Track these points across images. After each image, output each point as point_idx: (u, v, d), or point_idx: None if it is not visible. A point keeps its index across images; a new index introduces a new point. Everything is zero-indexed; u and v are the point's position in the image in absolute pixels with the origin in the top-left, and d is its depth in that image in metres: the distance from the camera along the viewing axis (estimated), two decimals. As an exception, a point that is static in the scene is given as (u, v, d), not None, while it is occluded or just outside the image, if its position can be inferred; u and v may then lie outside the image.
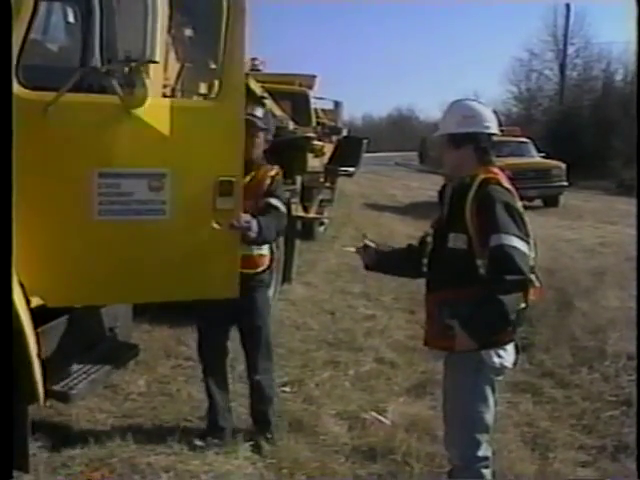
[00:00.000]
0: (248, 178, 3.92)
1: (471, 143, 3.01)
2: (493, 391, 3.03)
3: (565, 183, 19.15)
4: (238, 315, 4.09)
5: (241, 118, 3.70)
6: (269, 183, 4.02)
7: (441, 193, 3.21)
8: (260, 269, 4.09)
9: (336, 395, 4.90)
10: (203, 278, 3.64)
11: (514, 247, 2.77)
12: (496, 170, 3.03)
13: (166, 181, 3.39)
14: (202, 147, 3.51)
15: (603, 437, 4.29)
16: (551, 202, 18.93)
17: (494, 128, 3.07)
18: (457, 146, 3.03)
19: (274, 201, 4.01)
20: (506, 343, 3.02)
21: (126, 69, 3.20)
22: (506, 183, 2.99)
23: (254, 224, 3.71)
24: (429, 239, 3.21)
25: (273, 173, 4.08)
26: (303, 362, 5.56)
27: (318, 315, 7.04)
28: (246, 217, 3.69)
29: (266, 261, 4.15)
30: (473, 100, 3.22)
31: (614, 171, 26.44)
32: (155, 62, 3.20)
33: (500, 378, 3.07)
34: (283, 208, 4.07)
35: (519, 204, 2.97)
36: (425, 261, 3.21)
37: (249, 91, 7.62)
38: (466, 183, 2.96)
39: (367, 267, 3.47)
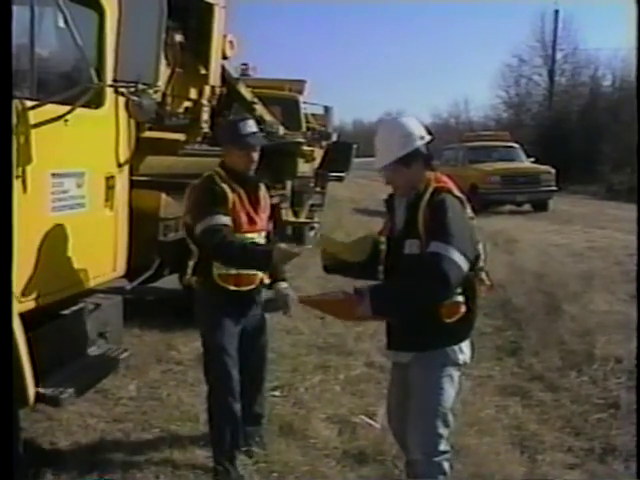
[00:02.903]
0: (261, 195, 3.94)
1: (419, 158, 3.06)
2: (454, 387, 3.13)
3: (554, 188, 19.22)
4: (250, 319, 3.98)
5: (120, 125, 4.12)
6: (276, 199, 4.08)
7: (388, 202, 3.26)
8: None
9: (326, 399, 4.91)
10: (105, 261, 4.17)
11: (453, 261, 2.81)
12: (445, 179, 3.11)
13: (85, 179, 3.81)
14: (98, 149, 4.00)
15: (591, 439, 4.31)
16: (540, 207, 18.99)
17: (427, 135, 3.12)
18: (408, 165, 3.05)
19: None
20: (466, 339, 3.14)
21: (132, 88, 3.62)
22: (456, 192, 3.06)
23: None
24: (382, 247, 3.23)
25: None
26: (293, 366, 5.57)
27: (308, 319, 7.02)
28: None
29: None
30: (397, 118, 3.26)
31: (603, 176, 26.59)
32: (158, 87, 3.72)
33: (459, 374, 3.16)
34: None
35: (468, 211, 3.08)
36: (380, 267, 3.21)
37: (240, 97, 7.70)
38: (420, 192, 3.03)
39: (326, 269, 3.50)
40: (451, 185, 3.09)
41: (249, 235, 3.79)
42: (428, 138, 3.11)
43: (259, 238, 3.87)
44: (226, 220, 3.66)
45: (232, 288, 3.77)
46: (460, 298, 3.03)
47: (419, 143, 3.06)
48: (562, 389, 5.15)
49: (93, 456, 3.96)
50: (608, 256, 10.18)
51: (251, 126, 3.85)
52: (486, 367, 5.63)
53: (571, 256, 10.52)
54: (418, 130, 3.10)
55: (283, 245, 3.73)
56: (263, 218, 3.94)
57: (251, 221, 3.82)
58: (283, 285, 4.04)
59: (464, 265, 2.85)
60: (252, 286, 3.86)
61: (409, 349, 3.13)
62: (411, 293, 2.87)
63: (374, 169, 3.24)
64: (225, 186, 3.74)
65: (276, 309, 4.12)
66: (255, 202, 3.88)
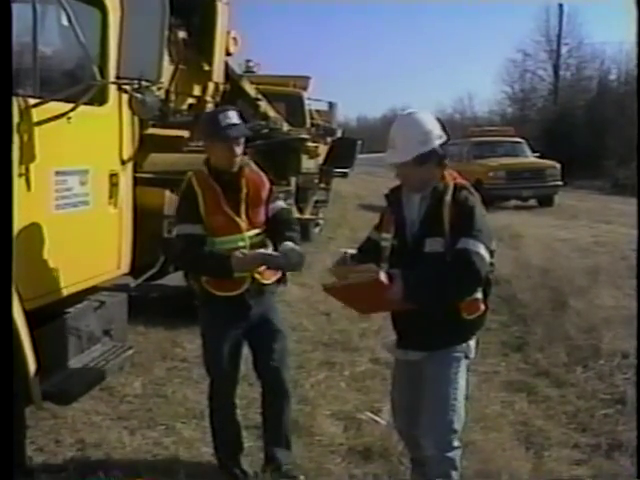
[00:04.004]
0: (244, 190, 3.60)
1: (435, 157, 3.04)
2: (465, 381, 3.17)
3: (560, 183, 19.18)
4: (255, 322, 3.71)
5: (124, 122, 4.12)
6: (269, 187, 3.75)
7: (390, 196, 3.24)
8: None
9: (332, 396, 4.91)
10: (110, 259, 4.19)
11: (481, 255, 2.88)
12: (456, 174, 3.13)
13: (88, 176, 3.82)
14: (101, 146, 4.01)
15: (597, 435, 4.29)
16: (546, 202, 18.96)
17: (444, 135, 3.09)
18: (422, 164, 3.02)
19: (282, 203, 3.89)
20: (475, 335, 3.17)
21: (135, 85, 3.59)
22: (472, 188, 3.09)
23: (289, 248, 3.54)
24: (384, 243, 3.19)
25: (263, 175, 3.78)
26: (299, 363, 5.55)
27: (314, 316, 7.04)
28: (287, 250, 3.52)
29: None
30: (415, 113, 3.12)
31: (608, 171, 26.48)
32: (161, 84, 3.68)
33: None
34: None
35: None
36: (383, 265, 3.14)
37: (243, 93, 7.69)
38: (439, 190, 3.03)
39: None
40: (466, 181, 3.11)
41: (229, 238, 3.56)
42: (445, 137, 3.09)
43: (242, 241, 3.57)
44: (194, 229, 3.53)
45: (218, 293, 3.59)
46: (479, 294, 3.03)
47: (437, 142, 3.04)
48: (568, 385, 5.13)
49: (98, 454, 3.97)
50: (614, 251, 10.14)
51: (231, 117, 3.55)
52: (492, 363, 5.62)
53: (577, 251, 10.49)
54: (436, 128, 3.06)
55: (240, 252, 3.45)
56: (253, 216, 3.64)
57: (231, 223, 3.56)
58: (288, 245, 3.56)
59: (488, 259, 2.91)
60: (239, 290, 3.58)
61: (424, 349, 3.12)
62: (443, 284, 2.90)
63: (384, 163, 3.22)
64: (199, 189, 3.54)
65: (288, 267, 3.68)
66: (237, 201, 3.58)
